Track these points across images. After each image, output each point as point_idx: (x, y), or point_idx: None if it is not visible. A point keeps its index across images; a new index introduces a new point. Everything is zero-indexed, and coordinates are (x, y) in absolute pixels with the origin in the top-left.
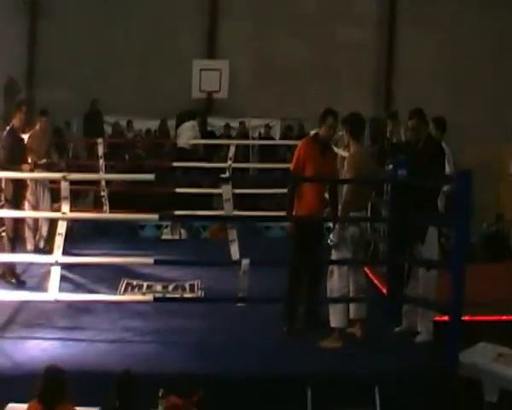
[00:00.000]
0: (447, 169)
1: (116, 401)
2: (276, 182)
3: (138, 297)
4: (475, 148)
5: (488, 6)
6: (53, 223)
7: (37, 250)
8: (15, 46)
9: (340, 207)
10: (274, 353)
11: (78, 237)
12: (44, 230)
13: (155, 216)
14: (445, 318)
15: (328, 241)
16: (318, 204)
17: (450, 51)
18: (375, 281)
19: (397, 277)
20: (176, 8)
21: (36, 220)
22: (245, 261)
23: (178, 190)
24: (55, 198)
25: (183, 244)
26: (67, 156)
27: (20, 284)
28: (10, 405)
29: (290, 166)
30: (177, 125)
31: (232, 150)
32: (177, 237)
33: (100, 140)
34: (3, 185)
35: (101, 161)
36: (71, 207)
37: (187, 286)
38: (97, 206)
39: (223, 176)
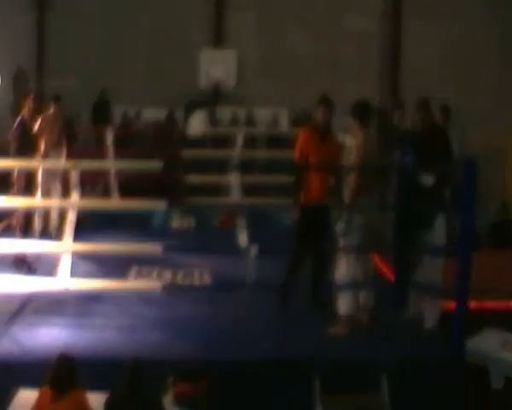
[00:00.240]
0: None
1: (125, 388)
2: (284, 169)
3: (148, 285)
4: (481, 137)
5: None
6: (63, 212)
7: (47, 238)
8: (24, 37)
9: (345, 193)
10: (282, 339)
11: (89, 226)
12: (55, 219)
13: (164, 204)
14: (452, 305)
15: (336, 228)
16: (322, 192)
17: (455, 40)
18: (383, 268)
19: (404, 264)
20: None
21: (46, 209)
22: (253, 248)
23: (187, 178)
24: (66, 187)
25: (193, 232)
26: (77, 146)
27: (32, 272)
28: (22, 391)
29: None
30: (186, 115)
31: (240, 139)
32: (186, 225)
33: (109, 129)
34: (15, 177)
35: (111, 150)
36: (81, 196)
37: (196, 273)
38: (106, 195)
39: (231, 164)
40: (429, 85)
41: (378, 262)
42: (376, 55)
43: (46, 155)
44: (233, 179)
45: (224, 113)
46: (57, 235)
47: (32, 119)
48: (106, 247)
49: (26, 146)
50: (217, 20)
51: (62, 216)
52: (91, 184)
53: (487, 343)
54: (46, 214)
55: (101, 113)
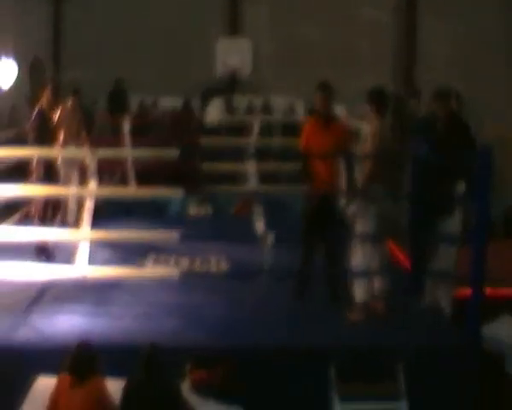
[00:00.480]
0: None
1: (143, 374)
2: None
3: (165, 272)
4: (496, 126)
5: None
6: (81, 200)
7: (65, 227)
8: (41, 28)
9: (359, 180)
10: (298, 327)
11: (105, 214)
12: (72, 207)
13: (181, 191)
14: (467, 292)
15: (348, 211)
16: (327, 180)
17: (470, 32)
18: (398, 256)
19: (419, 252)
20: None
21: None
22: (270, 236)
23: (204, 166)
24: (84, 176)
25: (210, 220)
26: (94, 134)
27: (51, 260)
28: (41, 378)
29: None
30: (202, 103)
31: (256, 127)
32: (203, 212)
33: (125, 117)
34: (34, 166)
35: (127, 138)
36: (99, 184)
37: (213, 261)
38: (123, 183)
39: (248, 152)
40: (443, 76)
41: (393, 250)
42: (390, 46)
43: (65, 146)
44: (249, 167)
45: (240, 101)
46: (75, 223)
47: (51, 109)
48: (123, 235)
49: (44, 136)
50: (232, 9)
51: (80, 205)
52: (109, 172)
53: (503, 330)
54: (64, 203)
55: (117, 102)
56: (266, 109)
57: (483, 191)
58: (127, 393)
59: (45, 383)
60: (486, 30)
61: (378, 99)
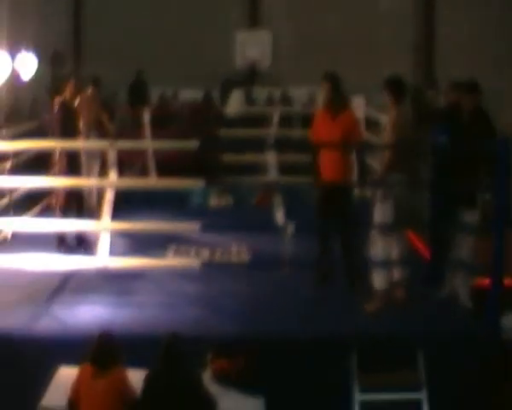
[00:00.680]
0: None
1: (164, 364)
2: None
3: (186, 262)
4: None
5: None
6: (102, 191)
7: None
8: (61, 19)
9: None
10: (318, 316)
11: (128, 205)
12: (94, 198)
13: (201, 182)
14: (487, 282)
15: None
16: (335, 171)
17: (490, 23)
18: (418, 245)
19: (439, 241)
20: None
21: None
22: (290, 226)
23: (224, 157)
24: (105, 167)
25: (231, 211)
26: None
27: (72, 251)
28: (62, 368)
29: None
30: (222, 95)
31: (276, 118)
32: (224, 203)
33: (145, 109)
34: (57, 157)
35: (148, 130)
36: (119, 175)
37: (234, 251)
38: (144, 174)
39: (267, 143)
40: (461, 65)
41: (413, 239)
42: (409, 35)
43: (85, 137)
44: (269, 158)
45: (260, 93)
46: (97, 214)
47: (74, 101)
48: (144, 225)
49: (68, 128)
50: (252, 0)
51: (101, 196)
52: (130, 164)
53: None
54: (87, 194)
55: (137, 94)
56: (286, 100)
57: (502, 180)
58: (148, 383)
59: (67, 374)
60: (504, 18)
61: (396, 88)
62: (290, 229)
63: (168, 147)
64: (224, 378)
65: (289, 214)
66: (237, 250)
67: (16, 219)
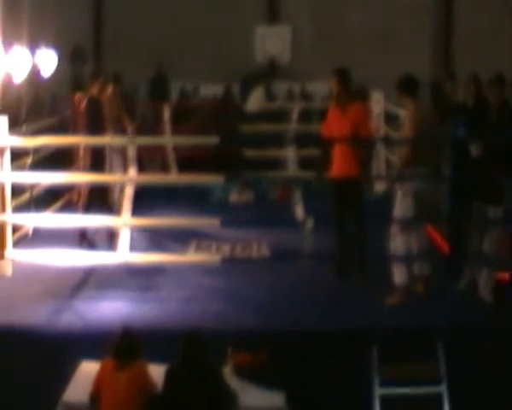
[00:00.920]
0: None
1: (185, 358)
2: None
3: (207, 257)
4: None
5: None
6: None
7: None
8: (82, 15)
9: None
10: (339, 309)
11: (149, 200)
12: (116, 194)
13: (221, 178)
14: (508, 276)
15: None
16: (344, 165)
17: (508, 13)
18: (437, 239)
19: (458, 235)
20: None
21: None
22: (309, 221)
23: (245, 152)
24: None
25: (251, 206)
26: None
27: (92, 247)
28: (84, 363)
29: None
30: (242, 91)
31: (295, 113)
32: (244, 199)
33: (166, 105)
34: (82, 153)
35: (168, 125)
36: (140, 171)
37: (254, 246)
38: (165, 170)
39: (287, 138)
40: (483, 56)
41: (432, 233)
42: (429, 27)
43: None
44: (289, 153)
45: (280, 88)
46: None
47: (100, 97)
48: (165, 221)
49: (96, 124)
50: None
51: (123, 192)
52: (150, 159)
53: None
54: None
55: (158, 89)
56: (306, 96)
57: None
58: (169, 377)
59: (89, 368)
60: None
61: (408, 86)
62: (310, 224)
63: (188, 142)
64: (244, 372)
65: (309, 209)
66: (257, 245)
67: (37, 214)
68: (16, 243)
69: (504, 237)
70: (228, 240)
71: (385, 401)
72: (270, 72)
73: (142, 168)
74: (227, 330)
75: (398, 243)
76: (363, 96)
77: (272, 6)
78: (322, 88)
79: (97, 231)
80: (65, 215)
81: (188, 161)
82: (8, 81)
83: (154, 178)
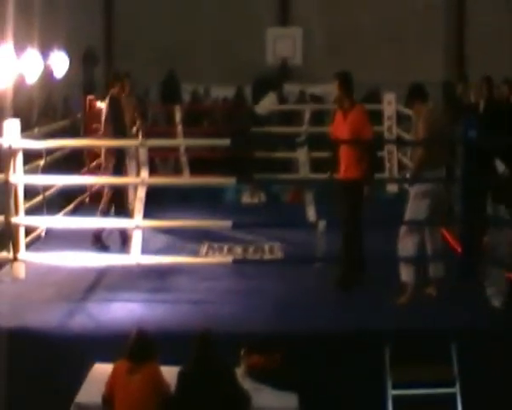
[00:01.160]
0: None
1: (198, 360)
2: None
3: (219, 259)
4: None
5: None
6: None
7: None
8: (93, 18)
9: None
10: (351, 311)
11: (162, 201)
12: (131, 196)
13: (233, 180)
14: None
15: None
16: (346, 167)
17: None
18: (450, 240)
19: (472, 236)
20: None
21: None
22: (321, 223)
23: (257, 154)
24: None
25: (263, 208)
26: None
27: (105, 249)
28: (97, 364)
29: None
30: (254, 94)
31: (307, 115)
32: (256, 200)
33: (178, 107)
34: (104, 156)
35: (180, 127)
36: (152, 172)
37: (266, 248)
38: (177, 172)
39: (298, 140)
40: (495, 57)
41: (445, 234)
42: (441, 28)
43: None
44: (301, 156)
45: (292, 90)
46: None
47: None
48: (177, 223)
49: (119, 126)
50: None
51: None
52: (163, 161)
53: None
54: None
55: (169, 91)
56: (317, 98)
57: None
58: (182, 379)
59: (102, 370)
60: None
61: (412, 94)
62: (322, 226)
63: (200, 144)
64: (257, 374)
65: (321, 211)
66: (270, 247)
67: (50, 216)
68: (29, 246)
69: None
70: (240, 242)
71: (398, 402)
72: (282, 74)
73: (154, 170)
74: (240, 331)
75: (407, 243)
76: (375, 98)
77: (284, 8)
78: (333, 89)
79: (111, 232)
80: (77, 217)
81: (200, 163)
82: (21, 84)
83: (166, 179)
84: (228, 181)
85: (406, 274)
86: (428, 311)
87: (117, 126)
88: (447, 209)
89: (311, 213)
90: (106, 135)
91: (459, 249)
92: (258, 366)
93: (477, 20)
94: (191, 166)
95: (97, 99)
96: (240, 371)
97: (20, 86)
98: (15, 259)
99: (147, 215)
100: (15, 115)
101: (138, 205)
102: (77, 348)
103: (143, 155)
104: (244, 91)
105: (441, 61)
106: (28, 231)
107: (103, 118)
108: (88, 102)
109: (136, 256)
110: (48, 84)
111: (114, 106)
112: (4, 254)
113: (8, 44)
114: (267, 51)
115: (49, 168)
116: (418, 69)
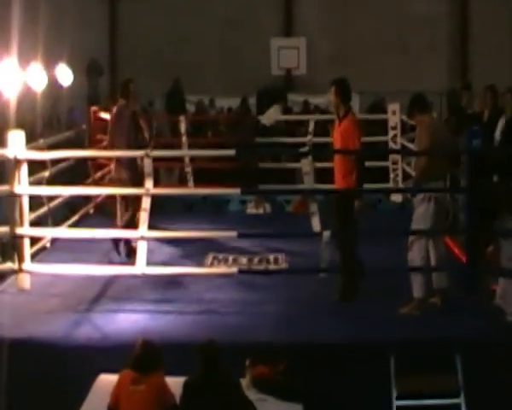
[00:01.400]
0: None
1: (203, 371)
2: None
3: (223, 270)
4: None
5: None
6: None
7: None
8: (97, 29)
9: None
10: (356, 321)
11: (166, 212)
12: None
13: (237, 190)
14: None
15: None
16: (338, 177)
17: None
18: (455, 251)
19: (477, 246)
20: None
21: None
22: (326, 233)
23: (261, 164)
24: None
25: (268, 218)
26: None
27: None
28: (102, 375)
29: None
30: (258, 104)
31: (312, 125)
32: (261, 211)
33: (182, 118)
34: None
35: (184, 138)
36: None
37: (271, 258)
38: (182, 182)
39: (302, 150)
40: (498, 67)
41: (450, 244)
42: (445, 39)
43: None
44: (305, 166)
45: (296, 100)
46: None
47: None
48: (182, 233)
49: (134, 136)
50: (287, 7)
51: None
52: (167, 171)
53: None
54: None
55: (174, 101)
56: (322, 110)
57: None
58: (187, 389)
59: (107, 381)
60: None
61: (413, 104)
62: (326, 236)
63: (205, 155)
64: (262, 384)
65: (326, 221)
66: (274, 257)
67: (55, 227)
68: (34, 256)
69: None
70: (245, 252)
71: None
72: (286, 84)
73: (158, 181)
74: (245, 342)
75: (413, 255)
76: (380, 108)
77: (288, 19)
78: (331, 96)
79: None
80: (82, 228)
81: (205, 174)
82: (25, 95)
83: (171, 190)
84: (233, 192)
85: (417, 288)
86: (433, 321)
87: (133, 138)
88: (452, 219)
89: (315, 224)
90: (111, 146)
91: (464, 259)
92: (263, 376)
93: (480, 29)
94: (196, 176)
95: (101, 110)
96: (245, 382)
97: (24, 98)
98: (20, 270)
99: (151, 226)
100: (20, 126)
101: (143, 215)
102: (82, 358)
103: (148, 165)
104: (249, 102)
105: (445, 70)
106: (33, 241)
107: (109, 129)
108: (92, 113)
109: (141, 267)
110: (53, 96)
111: (129, 117)
112: (9, 265)
113: (14, 57)
114: (271, 62)
115: (54, 179)
116: (422, 79)
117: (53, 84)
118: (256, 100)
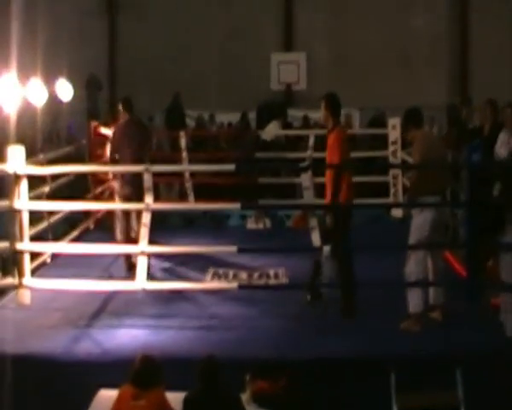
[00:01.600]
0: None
1: (203, 386)
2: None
3: (224, 285)
4: None
5: None
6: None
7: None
8: (96, 44)
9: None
10: (356, 336)
11: (167, 227)
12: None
13: (237, 205)
14: None
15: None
16: (328, 191)
17: None
18: (455, 265)
19: (477, 260)
20: (254, 1)
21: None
22: (326, 248)
23: (261, 179)
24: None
25: (268, 233)
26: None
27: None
28: (102, 390)
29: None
30: (258, 119)
31: (312, 140)
32: (261, 226)
33: (182, 133)
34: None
35: (185, 153)
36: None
37: (271, 273)
38: (183, 197)
39: (302, 165)
40: (498, 81)
41: (450, 258)
42: (446, 53)
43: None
44: (305, 181)
45: (296, 115)
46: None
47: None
48: (182, 248)
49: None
50: (287, 22)
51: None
52: (167, 186)
53: None
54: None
55: (174, 116)
56: (322, 126)
57: None
58: (187, 405)
59: (107, 396)
60: None
61: (407, 118)
62: (327, 251)
63: (205, 170)
64: (262, 400)
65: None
66: (275, 272)
67: (55, 242)
68: (34, 272)
69: None
70: (245, 267)
71: None
72: (286, 99)
73: (158, 196)
74: (245, 357)
75: (411, 269)
76: (380, 122)
77: (288, 34)
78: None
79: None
80: (82, 243)
81: (205, 189)
82: (25, 111)
83: (171, 205)
84: (233, 207)
85: (413, 304)
86: (434, 336)
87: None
88: (452, 233)
89: (315, 239)
90: (111, 161)
91: (464, 273)
92: (263, 391)
93: (480, 43)
94: (196, 191)
95: (101, 125)
96: (245, 397)
97: (24, 113)
98: (21, 285)
99: (152, 240)
100: (20, 142)
101: (143, 231)
102: (82, 373)
103: (148, 180)
104: (249, 117)
105: (445, 85)
106: (33, 256)
107: (109, 144)
108: (92, 128)
109: (141, 282)
110: (52, 111)
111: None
112: (9, 281)
113: (13, 72)
114: (272, 76)
115: (54, 194)
116: (423, 93)
117: (53, 99)
118: (256, 115)
